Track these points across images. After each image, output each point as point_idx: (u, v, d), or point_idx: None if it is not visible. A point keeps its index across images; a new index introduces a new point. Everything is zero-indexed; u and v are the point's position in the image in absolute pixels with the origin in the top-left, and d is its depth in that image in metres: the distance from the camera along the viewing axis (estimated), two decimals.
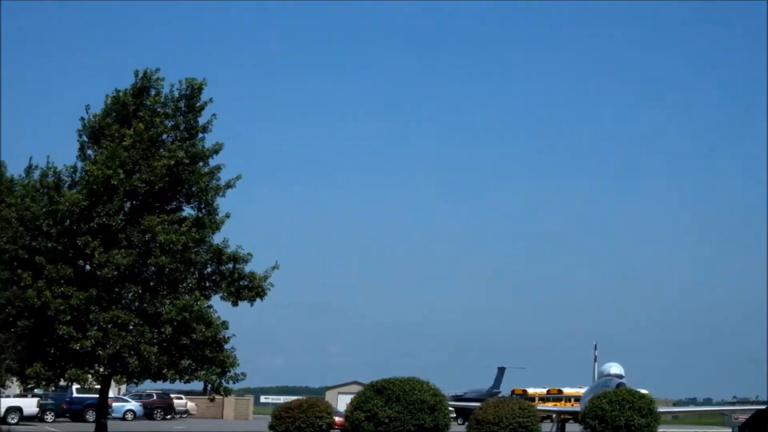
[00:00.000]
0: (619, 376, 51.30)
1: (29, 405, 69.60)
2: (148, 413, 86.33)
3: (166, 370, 49.76)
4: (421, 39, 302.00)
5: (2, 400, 68.32)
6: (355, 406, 40.45)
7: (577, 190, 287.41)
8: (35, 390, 70.26)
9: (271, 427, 42.88)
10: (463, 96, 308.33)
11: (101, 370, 50.03)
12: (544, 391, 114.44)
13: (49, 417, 74.99)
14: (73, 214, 47.67)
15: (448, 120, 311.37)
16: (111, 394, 79.51)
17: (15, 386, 65.29)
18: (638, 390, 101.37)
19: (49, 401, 75.51)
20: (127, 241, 48.16)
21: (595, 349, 62.58)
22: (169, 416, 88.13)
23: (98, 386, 54.05)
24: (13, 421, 67.28)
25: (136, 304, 48.50)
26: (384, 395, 39.92)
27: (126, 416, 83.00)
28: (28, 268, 47.76)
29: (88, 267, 49.02)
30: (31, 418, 69.49)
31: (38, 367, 47.90)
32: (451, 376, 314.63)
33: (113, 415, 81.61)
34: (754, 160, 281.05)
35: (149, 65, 51.26)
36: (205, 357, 49.90)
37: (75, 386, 71.59)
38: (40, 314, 47.23)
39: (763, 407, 37.17)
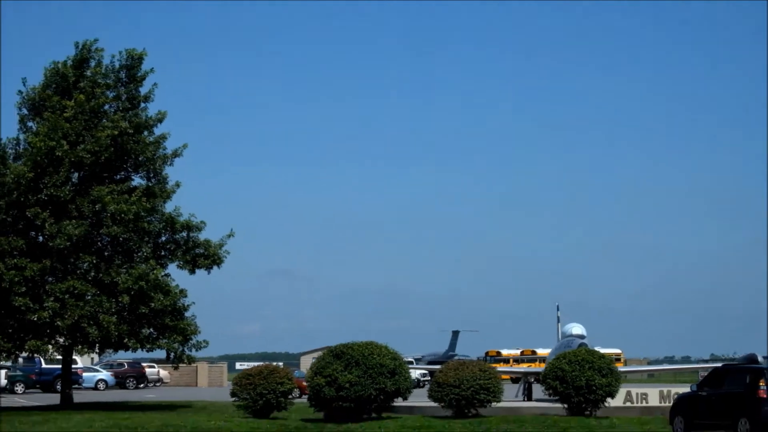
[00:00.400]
0: (581, 336, 50.87)
1: None
2: (121, 382, 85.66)
3: (126, 340, 49.58)
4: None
5: None
6: (315, 371, 39.88)
7: (550, 153, 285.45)
8: (2, 363, 69.35)
9: (232, 394, 42.27)
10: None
11: (62, 341, 49.57)
12: (518, 352, 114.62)
13: (19, 389, 74.29)
14: (20, 186, 47.42)
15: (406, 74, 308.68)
16: (81, 364, 79.43)
17: None
18: (610, 350, 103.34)
19: (18, 373, 74.89)
20: (78, 211, 47.94)
21: (558, 310, 62.25)
22: (142, 385, 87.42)
23: (60, 357, 53.67)
24: None
25: (92, 274, 48.22)
26: (343, 360, 39.37)
27: (98, 386, 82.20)
28: None
29: (40, 239, 48.41)
30: None
31: None
32: (417, 340, 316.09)
33: (84, 385, 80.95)
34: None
35: (87, 37, 50.82)
36: (166, 325, 49.71)
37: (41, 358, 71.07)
38: None
39: (720, 365, 36.65)
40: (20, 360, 62.26)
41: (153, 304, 48.01)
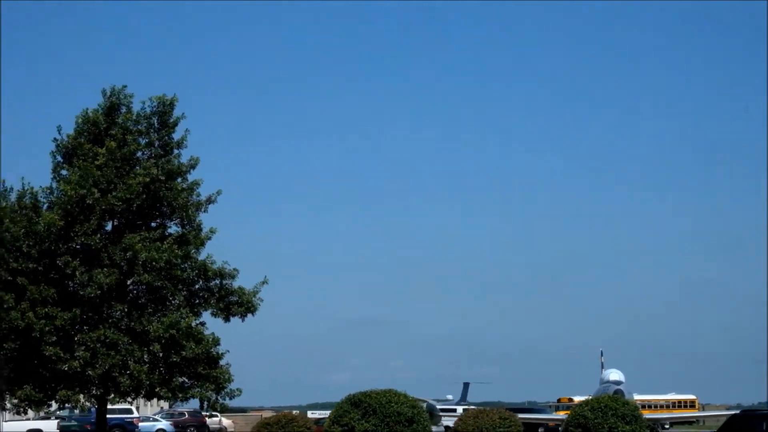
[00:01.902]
0: (617, 383, 49.66)
1: (49, 427, 69.11)
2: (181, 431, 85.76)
3: (158, 389, 49.11)
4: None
5: (22, 423, 68.17)
6: (332, 420, 39.38)
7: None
8: (57, 413, 69.85)
9: None
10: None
11: (93, 390, 49.34)
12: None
13: None
14: (51, 235, 47.18)
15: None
16: (137, 413, 79.53)
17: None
18: (682, 395, 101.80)
19: (73, 423, 74.91)
20: (110, 260, 47.59)
21: (601, 355, 60.84)
22: None
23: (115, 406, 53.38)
24: None
25: (124, 322, 47.77)
26: (361, 408, 38.80)
27: None
28: (11, 290, 47.19)
29: (71, 287, 48.29)
30: None
31: (28, 390, 47.57)
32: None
33: None
34: None
35: (117, 83, 50.51)
36: (199, 374, 49.13)
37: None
38: (26, 336, 46.77)
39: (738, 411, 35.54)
40: (76, 411, 62.03)
41: (185, 353, 47.64)
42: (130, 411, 77.18)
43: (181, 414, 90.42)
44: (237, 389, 50.37)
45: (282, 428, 39.90)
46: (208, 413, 51.25)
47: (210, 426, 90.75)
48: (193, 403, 59.08)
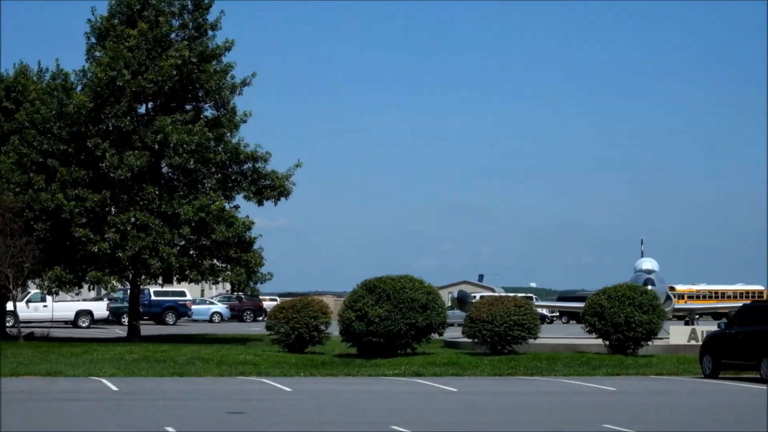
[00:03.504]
0: (648, 272, 48.77)
1: (99, 308, 69.75)
2: (238, 315, 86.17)
3: (188, 272, 49.25)
4: None
5: (72, 303, 68.92)
6: (347, 305, 39.03)
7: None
8: (111, 294, 70.38)
9: (267, 327, 41.64)
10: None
11: (125, 273, 49.57)
12: (695, 288, 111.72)
13: (126, 320, 75.08)
14: (81, 117, 47.10)
15: None
16: (189, 296, 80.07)
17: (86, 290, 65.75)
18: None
19: (125, 305, 75.53)
20: (141, 142, 47.44)
21: (642, 244, 59.93)
22: (260, 318, 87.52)
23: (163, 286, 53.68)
24: (84, 325, 67.52)
25: (155, 205, 47.76)
26: (375, 294, 38.38)
27: (213, 319, 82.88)
28: (41, 172, 47.41)
29: (102, 170, 48.28)
30: (102, 321, 69.46)
31: (58, 270, 47.82)
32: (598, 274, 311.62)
33: (200, 317, 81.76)
34: None
35: None
36: (230, 257, 49.15)
37: (152, 288, 71.78)
38: (56, 217, 46.98)
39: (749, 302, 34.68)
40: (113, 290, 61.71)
41: (215, 236, 47.63)
42: (183, 294, 77.66)
43: (239, 298, 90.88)
44: (268, 273, 50.51)
45: (297, 313, 39.44)
46: (237, 296, 51.05)
47: (267, 310, 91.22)
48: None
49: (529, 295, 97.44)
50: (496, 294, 66.15)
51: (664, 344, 42.12)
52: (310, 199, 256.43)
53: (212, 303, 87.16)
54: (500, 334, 38.26)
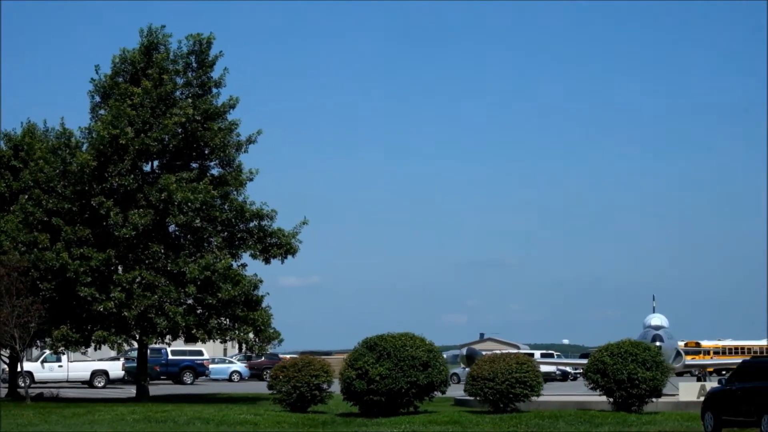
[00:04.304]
0: (656, 328, 48.16)
1: (114, 368, 69.37)
2: (257, 374, 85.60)
3: (195, 330, 48.91)
4: None
5: (87, 363, 68.60)
6: (348, 363, 38.57)
7: None
8: (127, 353, 70.21)
9: (269, 387, 41.17)
10: None
11: (132, 332, 49.25)
12: (720, 344, 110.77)
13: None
14: (84, 175, 46.96)
15: None
16: (207, 355, 79.60)
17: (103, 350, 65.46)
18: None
19: None
20: (146, 201, 47.28)
21: (653, 300, 59.17)
22: None
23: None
24: (99, 385, 67.21)
25: (161, 263, 47.52)
26: (376, 352, 37.90)
27: (232, 378, 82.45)
28: (46, 230, 47.33)
29: (106, 228, 48.10)
30: (118, 381, 69.16)
31: (65, 330, 47.61)
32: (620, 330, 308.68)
33: (218, 376, 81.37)
34: None
35: (155, 22, 50.14)
36: (237, 316, 48.78)
37: (170, 348, 71.47)
38: (61, 276, 46.85)
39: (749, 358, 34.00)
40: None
41: (220, 295, 47.30)
42: (200, 353, 77.33)
43: (258, 357, 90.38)
44: (275, 331, 50.07)
45: (298, 372, 38.96)
46: (247, 355, 50.65)
47: None
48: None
49: (530, 351, 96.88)
50: (514, 351, 65.43)
51: (674, 401, 41.42)
52: (338, 256, 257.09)
53: (231, 362, 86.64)
54: (502, 392, 37.62)
